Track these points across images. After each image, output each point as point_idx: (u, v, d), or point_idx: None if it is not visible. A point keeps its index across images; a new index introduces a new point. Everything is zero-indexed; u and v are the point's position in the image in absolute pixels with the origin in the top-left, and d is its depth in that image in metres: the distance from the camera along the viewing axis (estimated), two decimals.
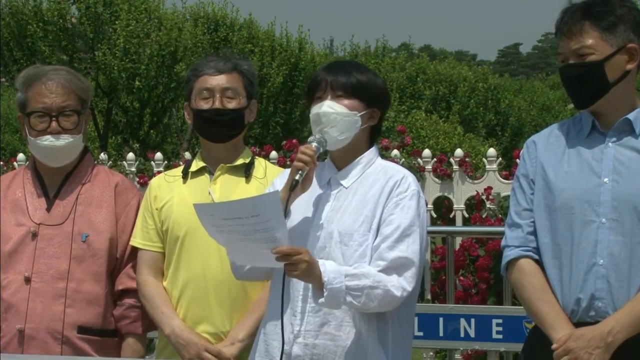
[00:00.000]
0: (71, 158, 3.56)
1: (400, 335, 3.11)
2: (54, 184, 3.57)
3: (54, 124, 3.47)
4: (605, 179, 2.98)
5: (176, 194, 3.58)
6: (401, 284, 3.00)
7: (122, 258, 3.55)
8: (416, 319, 4.70)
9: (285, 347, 3.05)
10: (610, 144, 3.02)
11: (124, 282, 3.54)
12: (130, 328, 3.53)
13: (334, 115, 3.11)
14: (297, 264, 2.90)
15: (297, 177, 3.05)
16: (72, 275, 3.44)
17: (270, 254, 2.90)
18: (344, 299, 2.94)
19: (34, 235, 3.47)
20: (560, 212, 3.02)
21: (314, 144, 3.10)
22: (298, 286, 3.07)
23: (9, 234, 3.48)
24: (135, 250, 3.57)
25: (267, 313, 3.20)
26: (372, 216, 3.08)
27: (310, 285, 3.00)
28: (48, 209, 3.52)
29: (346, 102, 3.13)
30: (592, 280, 2.95)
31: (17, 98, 3.58)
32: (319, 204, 3.15)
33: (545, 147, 3.13)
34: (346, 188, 3.16)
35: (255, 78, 3.67)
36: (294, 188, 3.05)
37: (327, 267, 2.94)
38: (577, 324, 2.96)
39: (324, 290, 2.91)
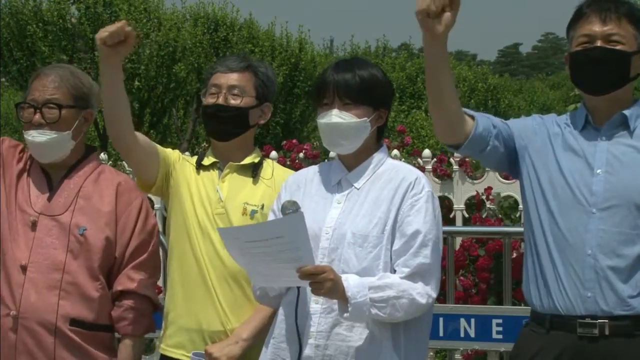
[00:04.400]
0: (57, 155, 3.53)
1: (414, 337, 3.10)
2: (56, 176, 3.56)
3: (37, 116, 3.46)
4: (599, 170, 3.00)
5: (189, 177, 3.59)
6: (426, 291, 3.01)
7: (121, 258, 3.53)
8: None
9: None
10: (604, 138, 3.05)
11: (123, 282, 3.52)
12: (128, 330, 3.51)
13: (345, 125, 3.11)
14: (323, 283, 2.89)
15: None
16: (67, 267, 3.42)
17: (294, 273, 2.90)
18: (369, 312, 2.94)
19: (34, 224, 3.46)
20: (552, 202, 3.04)
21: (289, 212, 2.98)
22: (308, 288, 3.04)
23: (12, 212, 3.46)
24: (135, 251, 3.53)
25: (276, 318, 3.19)
26: (385, 217, 3.08)
27: None
28: (49, 199, 3.51)
29: (355, 110, 3.12)
30: (581, 271, 2.96)
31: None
32: (329, 205, 3.15)
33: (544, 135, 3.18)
34: (358, 189, 3.15)
35: (272, 82, 3.69)
36: None
37: (350, 282, 2.94)
38: (566, 315, 2.97)
39: (348, 305, 2.91)
